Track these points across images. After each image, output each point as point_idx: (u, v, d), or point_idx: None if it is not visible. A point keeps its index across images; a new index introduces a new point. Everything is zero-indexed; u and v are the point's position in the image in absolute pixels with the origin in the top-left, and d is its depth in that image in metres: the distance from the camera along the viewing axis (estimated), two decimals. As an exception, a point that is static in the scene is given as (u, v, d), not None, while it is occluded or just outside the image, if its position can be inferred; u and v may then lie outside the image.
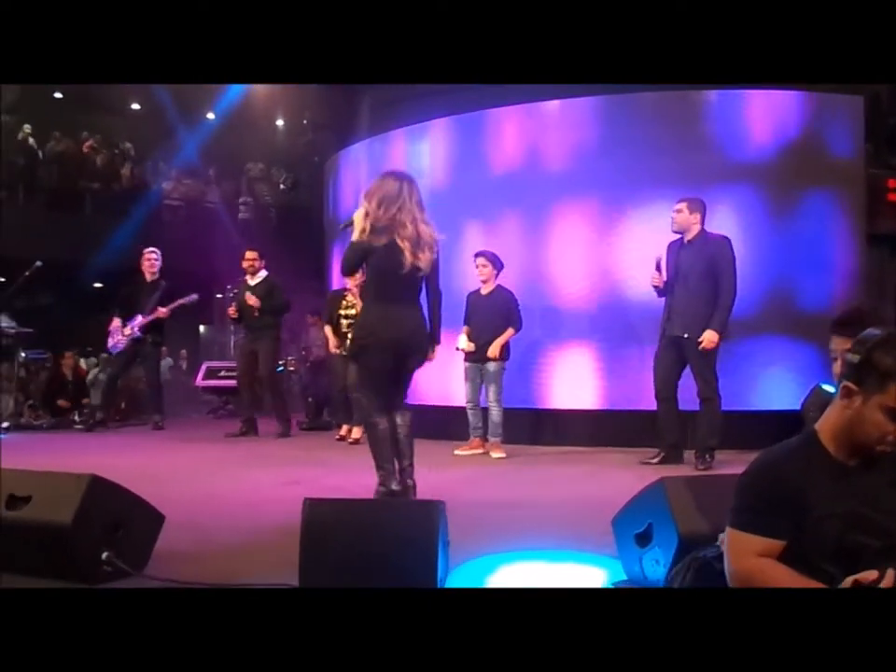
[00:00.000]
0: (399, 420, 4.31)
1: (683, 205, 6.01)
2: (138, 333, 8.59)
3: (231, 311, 8.35)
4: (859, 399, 1.82)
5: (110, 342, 8.75)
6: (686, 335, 5.86)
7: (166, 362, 13.66)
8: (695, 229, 5.97)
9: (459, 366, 6.90)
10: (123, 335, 8.62)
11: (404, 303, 4.29)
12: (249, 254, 8.39)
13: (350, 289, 7.71)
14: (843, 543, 1.81)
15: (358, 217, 4.31)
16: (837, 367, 2.31)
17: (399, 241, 4.20)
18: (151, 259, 8.82)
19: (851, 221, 7.26)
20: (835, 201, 7.26)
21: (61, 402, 9.99)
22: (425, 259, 4.25)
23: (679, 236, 6.06)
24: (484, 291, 6.84)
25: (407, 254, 4.20)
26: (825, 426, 1.91)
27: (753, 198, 7.14)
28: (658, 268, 6.05)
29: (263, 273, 8.34)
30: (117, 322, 8.68)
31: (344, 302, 7.76)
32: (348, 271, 4.60)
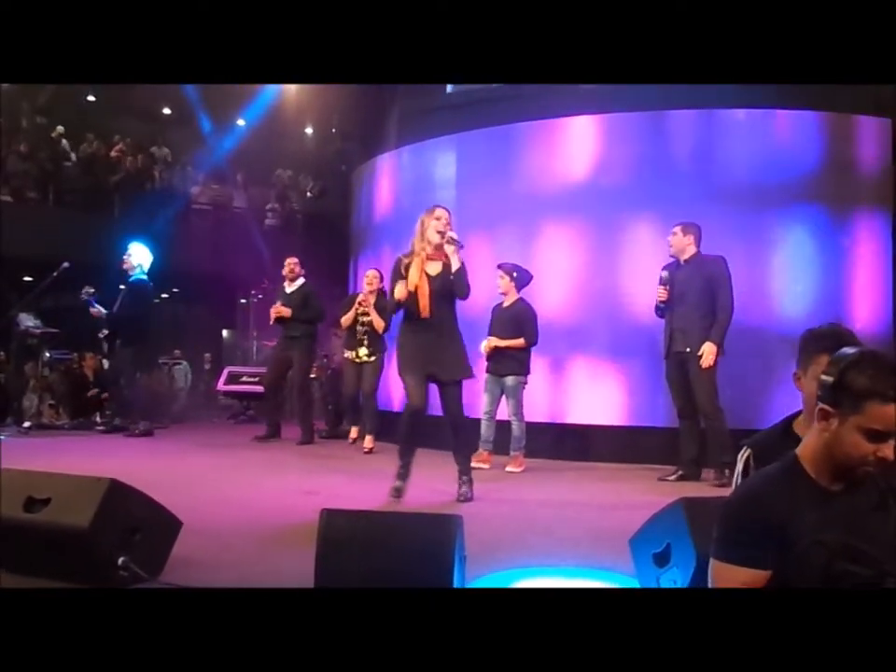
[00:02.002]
0: None
1: (678, 229, 6.17)
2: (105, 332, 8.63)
3: (273, 312, 8.30)
4: (836, 421, 1.78)
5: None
6: (688, 349, 5.94)
7: (183, 368, 13.76)
8: (690, 250, 6.12)
9: (478, 378, 6.89)
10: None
11: None
12: (290, 260, 8.39)
13: (365, 296, 7.73)
14: (830, 572, 1.77)
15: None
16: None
17: None
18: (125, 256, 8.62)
19: (883, 243, 7.20)
20: (865, 222, 7.21)
21: (82, 402, 10.05)
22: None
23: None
24: (505, 304, 6.87)
25: None
26: (805, 450, 1.87)
27: (771, 221, 7.11)
28: (662, 282, 6.13)
29: (301, 281, 8.36)
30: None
31: (360, 308, 7.78)
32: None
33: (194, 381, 14.06)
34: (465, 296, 4.99)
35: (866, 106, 7.46)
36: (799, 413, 2.39)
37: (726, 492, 2.42)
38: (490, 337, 6.73)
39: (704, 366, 5.85)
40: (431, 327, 4.94)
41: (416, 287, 4.89)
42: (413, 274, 4.91)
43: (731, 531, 1.85)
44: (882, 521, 1.82)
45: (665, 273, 6.14)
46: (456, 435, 5.07)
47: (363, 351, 7.82)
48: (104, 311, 8.45)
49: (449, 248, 4.93)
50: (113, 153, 15.68)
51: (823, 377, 1.83)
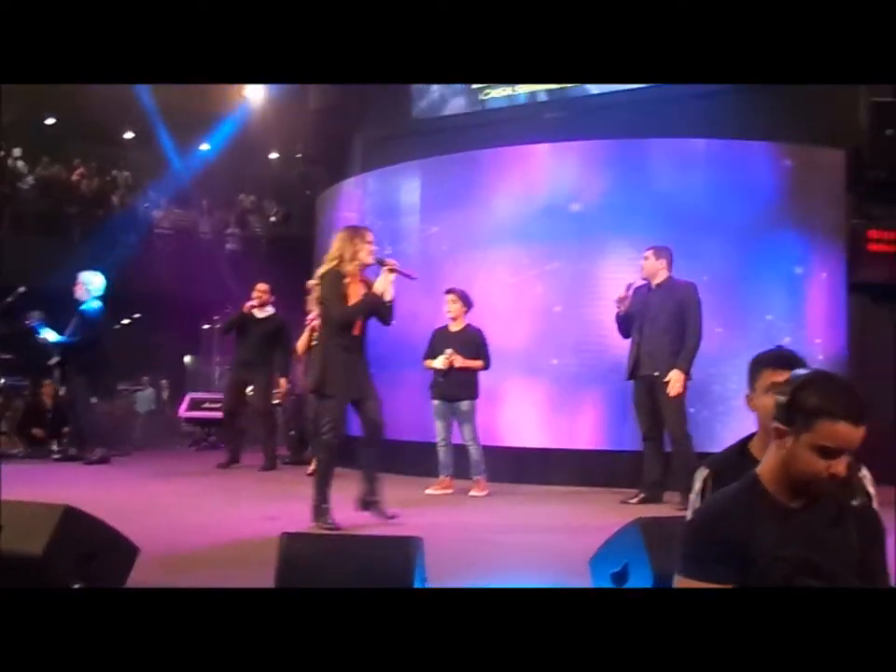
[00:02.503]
0: None
1: (650, 253, 6.22)
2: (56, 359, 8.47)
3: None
4: (790, 440, 1.83)
5: None
6: (657, 373, 5.99)
7: (147, 394, 13.59)
8: (662, 274, 6.18)
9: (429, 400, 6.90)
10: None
11: None
12: (261, 286, 8.34)
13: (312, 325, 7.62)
14: (790, 586, 1.81)
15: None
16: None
17: None
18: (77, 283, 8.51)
19: (834, 271, 7.36)
20: (818, 250, 7.36)
21: (35, 431, 9.86)
22: None
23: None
24: (453, 328, 6.86)
25: None
26: (765, 468, 1.92)
27: (734, 247, 7.23)
28: (628, 290, 6.16)
29: (271, 310, 8.33)
30: None
31: (317, 335, 7.71)
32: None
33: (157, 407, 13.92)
34: (390, 323, 5.14)
35: (822, 138, 7.66)
36: (754, 434, 2.44)
37: (684, 514, 2.45)
38: (454, 355, 6.62)
39: (671, 394, 5.89)
40: (359, 346, 5.03)
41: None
42: (354, 292, 4.96)
43: (694, 548, 1.89)
44: (840, 536, 1.86)
45: (629, 292, 6.15)
46: (377, 447, 5.13)
47: None
48: (51, 338, 8.30)
49: (389, 276, 5.00)
50: (74, 176, 15.57)
51: (778, 397, 1.89)
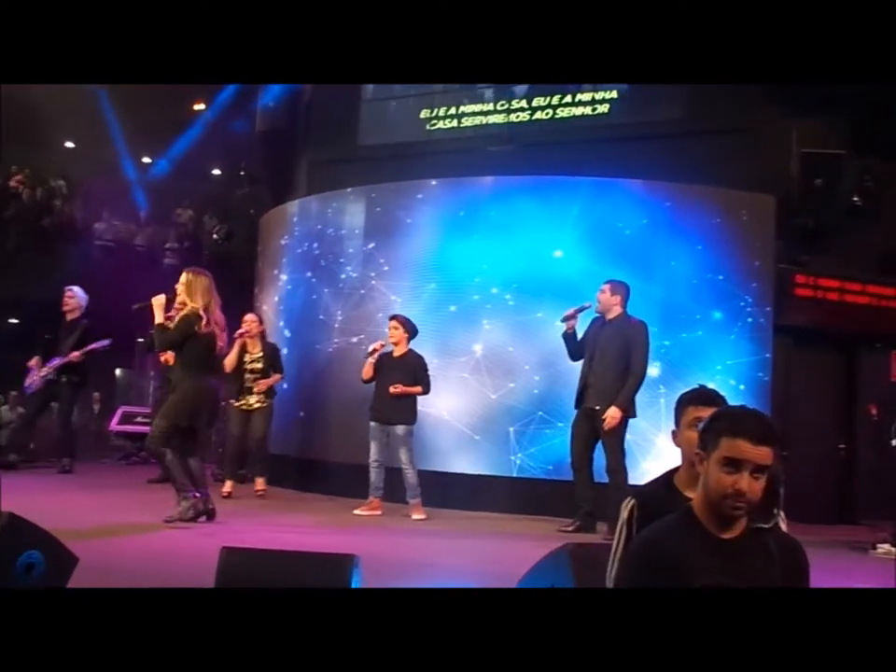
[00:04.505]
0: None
1: (607, 287, 6.36)
2: (52, 375, 8.46)
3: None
4: (706, 463, 2.03)
5: (27, 381, 8.58)
6: (598, 407, 6.14)
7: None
8: (616, 310, 6.32)
9: (362, 422, 6.99)
10: (39, 376, 8.48)
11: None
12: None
13: (245, 336, 7.70)
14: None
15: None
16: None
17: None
18: (67, 298, 8.68)
19: (761, 313, 7.66)
20: (748, 292, 7.65)
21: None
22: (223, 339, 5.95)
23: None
24: (396, 353, 6.98)
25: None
26: (696, 500, 2.09)
27: (670, 284, 7.48)
28: (580, 310, 6.35)
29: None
30: (35, 361, 8.53)
31: (248, 356, 7.74)
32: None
33: (84, 420, 13.62)
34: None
35: (752, 184, 7.99)
36: (678, 468, 2.60)
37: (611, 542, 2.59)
38: (396, 384, 6.75)
39: (606, 428, 6.06)
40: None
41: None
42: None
43: (630, 572, 2.07)
44: (764, 567, 2.02)
45: (586, 305, 6.36)
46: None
47: (254, 399, 7.75)
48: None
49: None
50: (12, 183, 15.30)
51: (698, 429, 2.10)
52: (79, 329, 8.57)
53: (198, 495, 5.60)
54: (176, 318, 5.76)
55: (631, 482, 5.93)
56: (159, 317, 5.74)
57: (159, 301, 5.76)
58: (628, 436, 6.30)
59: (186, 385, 5.70)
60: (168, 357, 5.70)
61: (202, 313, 5.68)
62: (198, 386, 5.71)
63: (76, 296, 8.70)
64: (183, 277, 5.85)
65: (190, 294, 5.76)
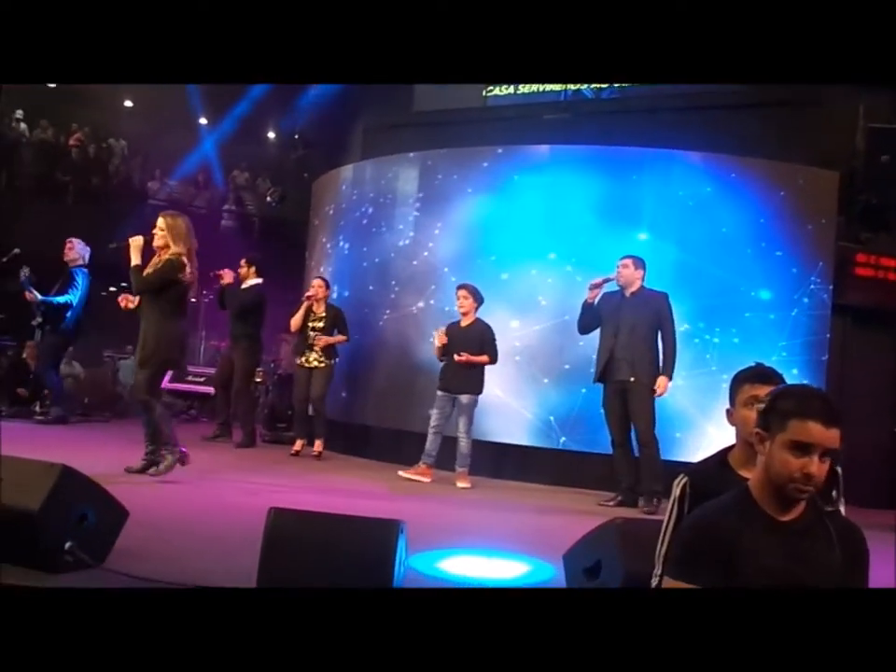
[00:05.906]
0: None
1: (629, 261, 6.38)
2: (36, 321, 8.62)
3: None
4: (769, 443, 1.96)
5: None
6: (632, 378, 6.17)
7: (131, 363, 13.52)
8: (637, 283, 6.37)
9: (412, 390, 6.94)
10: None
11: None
12: (242, 261, 8.58)
13: (312, 299, 7.81)
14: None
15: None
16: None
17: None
18: (67, 249, 8.75)
19: (824, 290, 7.49)
20: (808, 269, 7.47)
21: (20, 391, 9.86)
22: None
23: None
24: (464, 323, 6.97)
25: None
26: (754, 480, 2.04)
27: (728, 259, 7.34)
28: (606, 280, 6.37)
29: (252, 281, 8.45)
30: None
31: (312, 314, 7.83)
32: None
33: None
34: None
35: (816, 159, 7.78)
36: (732, 446, 2.54)
37: (659, 517, 2.54)
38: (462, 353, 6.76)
39: (657, 396, 6.12)
40: None
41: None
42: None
43: (684, 552, 2.01)
44: (824, 551, 1.97)
45: (600, 284, 6.37)
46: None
47: (313, 356, 7.86)
48: (39, 296, 8.46)
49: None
50: (71, 141, 15.50)
51: (758, 406, 2.03)
52: (65, 275, 8.66)
53: (184, 449, 5.62)
54: (160, 262, 5.59)
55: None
56: (136, 259, 5.54)
57: (136, 242, 5.57)
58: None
59: (164, 331, 5.56)
60: (130, 299, 5.58)
61: (184, 259, 5.57)
62: (176, 332, 5.65)
63: (74, 247, 8.77)
64: (161, 221, 5.65)
65: (174, 238, 5.59)
